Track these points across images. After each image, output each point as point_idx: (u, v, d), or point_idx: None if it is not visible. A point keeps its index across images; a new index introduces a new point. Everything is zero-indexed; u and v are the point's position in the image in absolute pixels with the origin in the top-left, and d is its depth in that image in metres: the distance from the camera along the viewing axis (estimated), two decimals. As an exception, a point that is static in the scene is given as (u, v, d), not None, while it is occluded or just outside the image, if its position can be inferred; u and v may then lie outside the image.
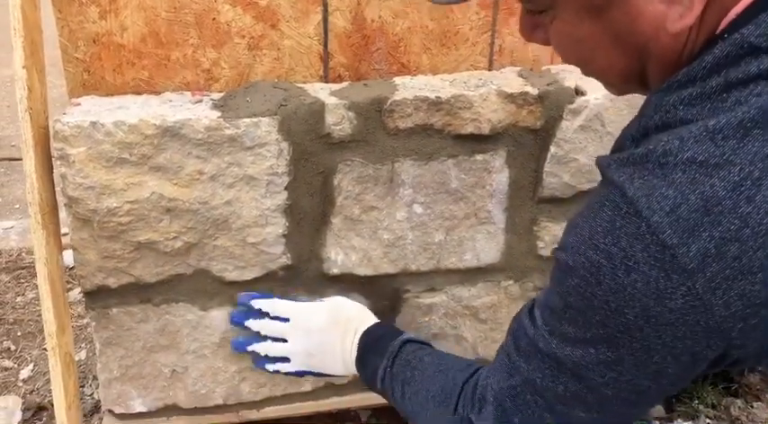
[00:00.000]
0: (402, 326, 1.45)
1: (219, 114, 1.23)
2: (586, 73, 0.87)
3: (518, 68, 1.42)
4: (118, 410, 1.47)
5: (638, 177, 0.73)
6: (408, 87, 1.32)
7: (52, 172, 1.27)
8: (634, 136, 0.80)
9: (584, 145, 1.38)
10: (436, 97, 1.29)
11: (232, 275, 1.36)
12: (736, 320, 0.71)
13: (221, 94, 1.30)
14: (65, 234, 1.31)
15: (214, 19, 1.26)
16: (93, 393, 1.83)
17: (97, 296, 1.34)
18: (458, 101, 1.30)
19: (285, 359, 1.35)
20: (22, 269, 2.36)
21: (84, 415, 1.76)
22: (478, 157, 1.36)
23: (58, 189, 1.26)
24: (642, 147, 0.75)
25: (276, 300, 1.37)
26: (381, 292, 1.47)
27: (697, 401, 1.85)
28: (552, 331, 0.84)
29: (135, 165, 1.22)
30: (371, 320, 1.31)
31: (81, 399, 1.69)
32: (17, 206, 2.98)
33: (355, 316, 1.31)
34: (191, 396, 1.48)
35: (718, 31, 0.74)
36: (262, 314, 1.37)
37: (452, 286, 1.50)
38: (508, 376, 0.91)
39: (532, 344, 0.87)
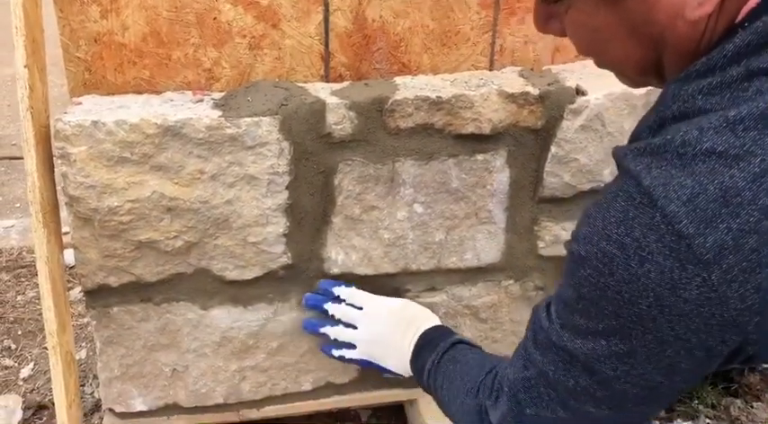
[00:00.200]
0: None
1: (220, 113, 1.24)
2: (601, 64, 0.86)
3: (519, 68, 1.42)
4: (118, 409, 1.48)
5: (655, 167, 0.72)
6: (409, 87, 1.32)
7: (53, 171, 1.27)
8: (651, 126, 0.79)
9: (585, 145, 1.38)
10: (437, 97, 1.29)
11: (232, 274, 1.36)
12: (752, 314, 0.70)
13: (222, 94, 1.30)
14: (66, 233, 1.31)
15: (215, 18, 1.26)
16: (93, 392, 1.84)
17: (98, 295, 1.34)
18: (459, 101, 1.30)
19: (351, 346, 1.38)
20: (23, 267, 2.36)
21: (85, 414, 1.76)
22: (479, 157, 1.36)
23: (59, 188, 1.26)
24: (660, 137, 0.74)
25: (354, 289, 1.41)
26: (382, 291, 1.46)
27: (697, 402, 1.85)
28: (564, 324, 0.84)
29: (136, 164, 1.22)
30: (434, 321, 1.33)
31: (81, 398, 1.69)
32: (18, 205, 2.98)
33: (420, 316, 1.33)
34: (191, 395, 1.48)
35: (738, 20, 0.73)
36: (339, 301, 1.40)
37: (453, 285, 1.50)
38: (523, 368, 0.91)
39: (547, 337, 0.87)
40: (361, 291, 1.40)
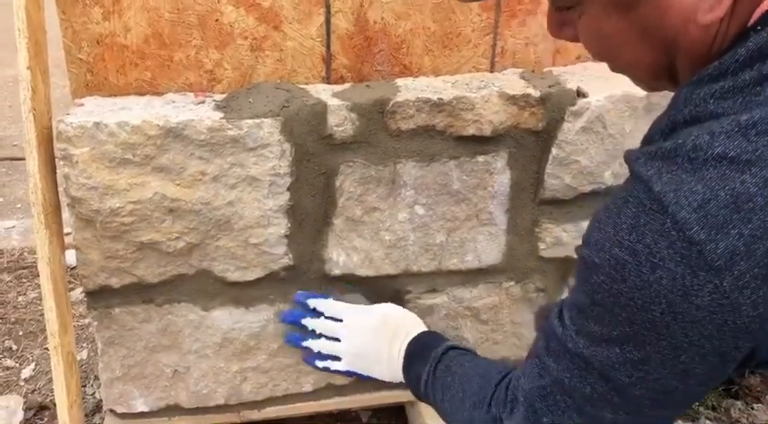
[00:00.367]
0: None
1: (222, 115, 1.24)
2: (615, 69, 0.86)
3: (520, 70, 1.42)
4: (120, 410, 1.48)
5: (666, 171, 0.72)
6: (410, 89, 1.32)
7: (55, 173, 1.27)
8: (663, 130, 0.79)
9: (586, 147, 1.39)
10: (438, 98, 1.29)
11: (234, 275, 1.37)
12: (763, 321, 0.70)
13: (224, 95, 1.30)
14: (67, 234, 1.31)
15: (217, 20, 1.27)
16: (94, 393, 1.84)
17: (100, 296, 1.34)
18: (460, 103, 1.30)
19: (336, 358, 1.37)
20: (24, 268, 2.36)
21: (86, 414, 1.76)
22: (480, 159, 1.37)
23: (61, 189, 1.27)
24: (671, 141, 0.74)
25: (331, 301, 1.39)
26: (383, 293, 1.47)
27: (697, 403, 1.85)
28: (579, 331, 0.83)
29: (138, 166, 1.23)
30: (420, 327, 1.32)
31: (83, 398, 1.69)
32: (19, 205, 2.99)
33: (404, 324, 1.32)
34: (192, 396, 1.48)
35: (750, 23, 0.72)
36: (317, 314, 1.39)
37: (454, 287, 1.50)
38: (538, 377, 0.91)
39: (561, 344, 0.86)
40: (338, 302, 1.39)
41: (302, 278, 1.41)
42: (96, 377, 1.84)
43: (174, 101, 1.28)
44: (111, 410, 1.49)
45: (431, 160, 1.35)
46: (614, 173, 1.42)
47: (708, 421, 1.81)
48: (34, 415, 1.79)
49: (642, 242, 0.72)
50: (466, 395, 1.07)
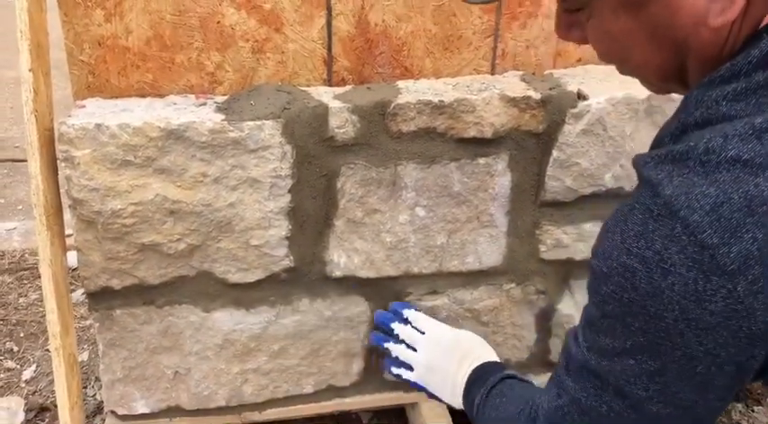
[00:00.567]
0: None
1: (223, 117, 1.24)
2: (624, 71, 0.85)
3: (520, 72, 1.42)
4: (121, 412, 1.48)
5: (677, 175, 0.71)
6: (411, 91, 1.32)
7: (57, 174, 1.28)
8: (673, 133, 0.78)
9: (587, 150, 1.39)
10: (439, 101, 1.30)
11: (235, 277, 1.37)
12: None
13: (225, 97, 1.31)
14: (69, 236, 1.31)
15: (218, 22, 1.27)
16: (95, 394, 1.84)
17: (101, 298, 1.35)
18: (461, 105, 1.30)
19: (409, 367, 1.38)
20: (25, 270, 2.36)
21: (87, 416, 1.77)
22: (481, 161, 1.37)
23: (62, 190, 1.27)
24: (682, 144, 0.73)
25: (420, 314, 1.41)
26: (383, 294, 1.47)
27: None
28: (591, 347, 0.82)
29: (139, 167, 1.23)
30: (489, 356, 1.31)
31: (84, 400, 1.69)
32: (20, 207, 2.99)
33: (476, 351, 1.31)
34: (193, 398, 1.49)
35: (762, 25, 0.72)
36: (406, 323, 1.41)
37: (454, 288, 1.50)
38: (557, 396, 0.90)
39: (577, 363, 0.85)
40: (426, 317, 1.41)
41: (303, 280, 1.41)
42: (97, 379, 1.84)
43: (175, 103, 1.28)
44: (113, 412, 1.49)
45: (432, 162, 1.35)
46: (615, 176, 1.42)
47: (708, 423, 1.81)
48: (35, 416, 1.79)
49: (652, 249, 0.71)
50: (507, 414, 1.08)
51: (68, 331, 1.30)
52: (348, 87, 1.36)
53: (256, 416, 1.55)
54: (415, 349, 1.38)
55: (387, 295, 1.47)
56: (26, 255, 2.45)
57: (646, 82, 0.87)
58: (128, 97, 1.30)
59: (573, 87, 1.37)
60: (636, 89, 0.92)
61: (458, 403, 1.27)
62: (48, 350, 1.98)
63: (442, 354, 1.33)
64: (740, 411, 1.84)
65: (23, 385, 1.90)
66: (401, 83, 1.36)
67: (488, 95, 1.32)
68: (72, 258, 1.39)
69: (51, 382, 1.87)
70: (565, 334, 0.93)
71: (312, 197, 1.34)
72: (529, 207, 1.45)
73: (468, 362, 1.28)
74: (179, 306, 1.39)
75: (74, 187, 1.22)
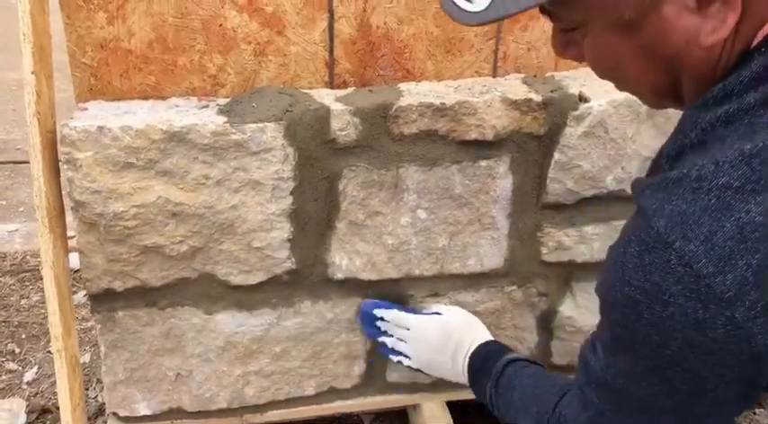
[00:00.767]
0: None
1: (226, 119, 1.24)
2: (621, 88, 0.87)
3: (522, 75, 1.43)
4: (122, 413, 1.48)
5: (668, 203, 0.72)
6: (413, 93, 1.33)
7: (59, 176, 1.28)
8: (670, 154, 0.79)
9: (588, 152, 1.39)
10: (441, 103, 1.30)
11: (237, 279, 1.37)
12: None
13: (227, 100, 1.31)
14: (71, 237, 1.31)
15: (221, 25, 1.27)
16: (97, 396, 1.84)
17: (103, 300, 1.35)
18: (462, 108, 1.31)
19: (407, 356, 1.41)
20: (27, 271, 2.37)
21: (89, 418, 1.77)
22: (482, 163, 1.37)
23: (64, 192, 1.27)
24: (677, 171, 0.74)
25: (395, 311, 1.42)
26: (385, 296, 1.47)
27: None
28: (608, 365, 0.84)
29: (141, 170, 1.23)
30: (480, 338, 1.33)
31: (85, 401, 1.70)
32: (22, 209, 2.99)
33: (465, 338, 1.33)
34: (195, 400, 1.49)
35: (754, 44, 0.72)
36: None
37: (456, 291, 1.50)
38: (582, 409, 0.92)
39: (597, 378, 0.87)
40: (402, 312, 1.42)
41: (305, 282, 1.41)
42: (99, 381, 1.84)
43: (177, 106, 1.28)
44: (114, 414, 1.49)
45: (433, 164, 1.35)
46: (616, 178, 1.42)
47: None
48: (37, 418, 1.80)
49: (650, 281, 0.73)
50: (527, 416, 1.09)
51: (70, 332, 1.31)
52: (350, 90, 1.36)
53: (258, 418, 1.55)
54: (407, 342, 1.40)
55: (388, 298, 1.47)
56: (28, 257, 2.45)
57: (642, 98, 0.88)
58: (130, 99, 1.30)
59: (574, 89, 1.37)
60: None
61: (467, 384, 1.31)
62: (49, 352, 1.98)
63: (433, 352, 1.35)
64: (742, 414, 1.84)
65: (25, 387, 1.90)
66: (403, 86, 1.36)
67: (490, 98, 1.32)
68: (74, 260, 1.40)
69: (53, 383, 1.87)
70: (581, 346, 0.95)
71: (314, 199, 1.34)
72: (530, 210, 1.45)
73: (462, 354, 1.30)
74: (181, 308, 1.39)
75: (76, 189, 1.22)
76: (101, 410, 1.79)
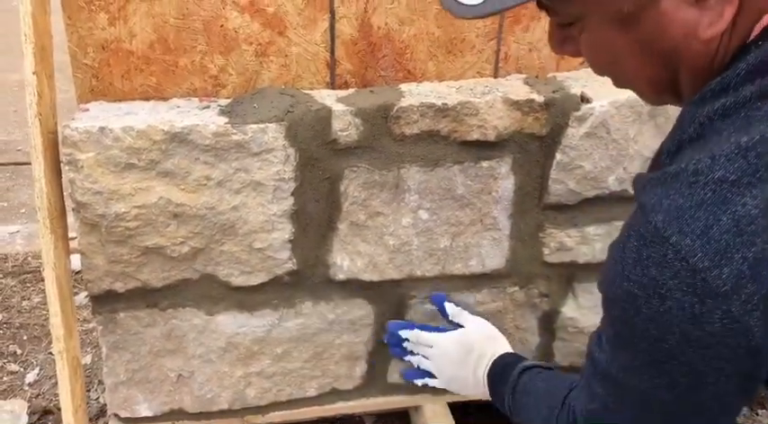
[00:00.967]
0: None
1: (227, 120, 1.24)
2: (619, 84, 0.87)
3: (524, 76, 1.43)
4: (124, 415, 1.48)
5: (665, 197, 0.73)
6: (414, 94, 1.33)
7: (61, 177, 1.28)
8: (669, 149, 0.79)
9: (590, 152, 1.39)
10: (442, 104, 1.30)
11: (238, 280, 1.37)
12: None
13: (229, 100, 1.31)
14: (72, 239, 1.31)
15: (222, 26, 1.27)
16: (98, 397, 1.84)
17: (104, 301, 1.35)
18: (464, 108, 1.30)
19: (433, 376, 1.43)
20: (28, 273, 2.37)
21: (90, 419, 1.77)
22: (484, 164, 1.37)
23: (66, 194, 1.27)
24: (675, 165, 0.74)
25: (416, 331, 1.44)
26: (386, 297, 1.47)
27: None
28: (611, 359, 0.85)
29: (143, 171, 1.23)
30: (499, 349, 1.34)
31: (87, 403, 1.70)
32: (23, 210, 2.99)
33: (486, 352, 1.34)
34: (196, 401, 1.49)
35: (751, 38, 0.73)
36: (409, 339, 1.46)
37: (457, 292, 1.50)
38: (589, 400, 0.92)
39: (602, 370, 0.88)
40: (423, 332, 1.43)
41: (306, 283, 1.41)
42: (100, 382, 1.84)
43: (178, 106, 1.28)
44: (116, 415, 1.49)
45: (435, 165, 1.35)
46: (618, 178, 1.42)
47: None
48: (38, 420, 1.80)
49: (648, 275, 0.73)
50: (540, 415, 1.10)
51: (72, 334, 1.31)
52: (351, 90, 1.36)
53: (259, 419, 1.55)
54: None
55: (390, 299, 1.47)
56: (29, 258, 2.45)
57: (640, 94, 0.88)
58: (131, 100, 1.30)
59: (576, 90, 1.37)
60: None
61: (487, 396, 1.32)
62: (51, 353, 1.98)
63: (455, 367, 1.38)
64: (744, 415, 1.84)
65: (27, 388, 1.90)
66: (404, 87, 1.36)
67: (491, 98, 1.32)
68: (75, 261, 1.39)
69: (54, 385, 1.87)
70: (588, 337, 0.96)
71: (315, 200, 1.34)
72: (532, 210, 1.45)
73: (482, 367, 1.32)
74: (182, 309, 1.39)
75: (77, 190, 1.22)
76: (102, 412, 1.78)
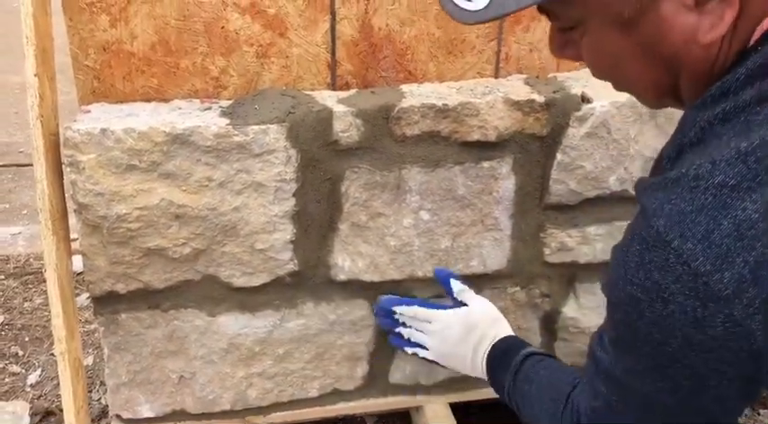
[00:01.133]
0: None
1: (228, 121, 1.24)
2: (619, 88, 0.87)
3: (524, 76, 1.43)
4: (126, 416, 1.48)
5: (667, 202, 0.73)
6: (415, 94, 1.33)
7: (62, 179, 1.28)
8: (670, 154, 0.80)
9: (591, 153, 1.39)
10: (443, 104, 1.30)
11: (240, 281, 1.37)
12: None
13: (230, 102, 1.31)
14: (74, 240, 1.32)
15: (223, 27, 1.27)
16: (100, 398, 1.84)
17: (106, 302, 1.35)
18: (465, 109, 1.31)
19: (424, 347, 1.39)
20: (30, 274, 2.37)
21: (92, 420, 1.77)
22: (485, 164, 1.37)
23: (68, 195, 1.27)
24: (676, 170, 0.75)
25: (416, 308, 1.41)
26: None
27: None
28: (615, 360, 0.85)
29: (144, 172, 1.23)
30: (501, 332, 1.33)
31: (89, 404, 1.70)
32: (25, 211, 2.99)
33: (488, 333, 1.33)
34: (198, 402, 1.49)
35: (751, 42, 0.73)
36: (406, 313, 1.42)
37: (459, 292, 1.50)
38: (593, 398, 0.93)
39: (605, 370, 0.88)
40: (422, 308, 1.40)
41: (308, 284, 1.41)
42: (102, 383, 1.85)
43: (180, 108, 1.28)
44: (118, 416, 1.49)
45: (436, 165, 1.35)
46: (619, 178, 1.42)
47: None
48: (40, 421, 1.80)
49: (651, 279, 0.73)
50: (543, 406, 1.10)
51: (73, 335, 1.31)
52: (352, 91, 1.36)
53: (261, 420, 1.55)
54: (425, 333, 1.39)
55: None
56: (31, 259, 2.45)
57: (640, 98, 0.88)
58: (133, 102, 1.30)
59: (577, 90, 1.37)
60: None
61: (483, 377, 1.31)
62: (53, 355, 1.98)
63: (454, 345, 1.35)
64: (746, 415, 1.84)
65: (29, 390, 1.90)
66: (405, 87, 1.36)
67: (492, 99, 1.32)
68: (77, 262, 1.39)
69: (56, 386, 1.87)
70: (590, 337, 0.96)
71: (316, 201, 1.34)
72: (533, 211, 1.45)
73: (483, 348, 1.30)
74: (184, 310, 1.39)
75: (79, 191, 1.22)
76: (104, 413, 1.79)
